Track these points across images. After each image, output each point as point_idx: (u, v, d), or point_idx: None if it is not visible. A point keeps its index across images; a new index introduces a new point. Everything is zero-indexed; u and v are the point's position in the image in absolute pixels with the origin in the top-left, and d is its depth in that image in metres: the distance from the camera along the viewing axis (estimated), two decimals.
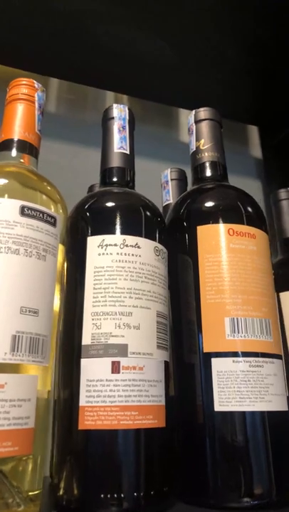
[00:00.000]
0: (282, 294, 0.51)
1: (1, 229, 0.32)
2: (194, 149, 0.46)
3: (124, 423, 0.31)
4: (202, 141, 0.46)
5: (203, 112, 0.47)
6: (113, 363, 0.33)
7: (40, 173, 0.40)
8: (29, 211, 0.34)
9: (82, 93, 0.75)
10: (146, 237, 0.37)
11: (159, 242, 0.38)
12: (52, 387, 0.35)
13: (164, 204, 0.56)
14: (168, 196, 0.56)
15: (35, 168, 0.40)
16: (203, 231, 0.39)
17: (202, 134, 0.46)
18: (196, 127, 0.47)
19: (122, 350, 0.33)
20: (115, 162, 0.42)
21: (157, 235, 0.39)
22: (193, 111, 0.47)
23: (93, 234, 0.37)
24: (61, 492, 0.31)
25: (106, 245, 0.36)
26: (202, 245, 0.39)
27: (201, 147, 0.46)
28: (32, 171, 0.38)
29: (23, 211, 0.33)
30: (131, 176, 0.43)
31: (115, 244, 0.36)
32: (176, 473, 0.35)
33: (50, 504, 0.32)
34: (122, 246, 0.36)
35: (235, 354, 0.35)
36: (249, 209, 0.41)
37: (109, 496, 0.30)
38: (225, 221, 0.39)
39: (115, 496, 0.30)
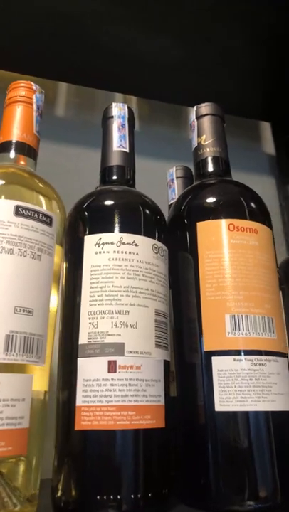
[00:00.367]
0: None
1: None
2: (196, 145, 0.46)
3: (120, 423, 0.31)
4: (204, 137, 0.45)
5: (205, 108, 0.46)
6: (109, 362, 0.32)
7: (39, 174, 0.40)
8: (24, 211, 0.34)
9: (91, 96, 0.76)
10: (144, 234, 0.37)
11: (158, 240, 0.38)
12: (53, 387, 0.35)
13: (169, 203, 0.55)
14: (173, 195, 0.55)
15: (33, 169, 0.40)
16: (202, 227, 0.38)
17: (204, 129, 0.45)
18: (197, 123, 0.46)
19: (119, 349, 0.32)
20: (114, 160, 0.42)
21: (156, 233, 0.38)
22: (195, 107, 0.47)
23: (90, 233, 0.37)
24: (59, 494, 0.31)
25: (103, 244, 0.36)
26: (202, 242, 0.38)
27: (203, 143, 0.45)
28: (29, 172, 0.38)
29: (18, 211, 0.33)
30: (131, 174, 0.43)
31: (112, 243, 0.36)
32: (178, 475, 0.34)
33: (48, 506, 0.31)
34: (118, 244, 0.35)
35: (236, 352, 0.34)
36: (251, 203, 0.40)
37: (105, 497, 0.29)
38: (225, 216, 0.38)
39: (112, 497, 0.29)
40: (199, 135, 0.45)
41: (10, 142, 0.39)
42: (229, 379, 0.33)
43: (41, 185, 0.38)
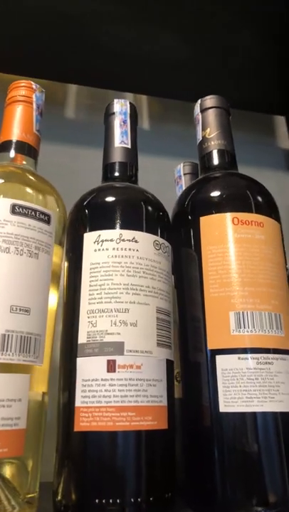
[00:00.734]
0: None
1: None
2: (200, 139, 0.44)
3: (120, 424, 0.30)
4: (208, 130, 0.44)
5: (209, 100, 0.45)
6: (108, 361, 0.31)
7: (39, 173, 0.39)
8: (20, 209, 0.33)
9: (103, 97, 0.75)
10: (145, 231, 0.36)
11: (161, 237, 0.37)
12: (55, 388, 0.34)
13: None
14: (181, 191, 0.54)
15: (33, 168, 0.39)
16: (206, 222, 0.37)
17: (208, 122, 0.44)
18: (202, 116, 0.45)
19: (118, 348, 0.32)
20: (116, 157, 0.41)
21: (159, 229, 0.37)
22: (199, 100, 0.45)
23: (90, 230, 0.36)
24: (59, 497, 0.30)
25: (102, 241, 0.35)
26: (205, 237, 0.37)
27: (207, 136, 0.44)
28: (28, 171, 0.38)
29: (14, 209, 0.33)
30: (133, 170, 0.42)
31: (111, 240, 0.35)
32: (183, 479, 0.33)
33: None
34: (118, 241, 0.35)
35: (241, 351, 0.33)
36: (256, 196, 0.38)
37: (104, 501, 0.28)
38: (229, 210, 0.37)
39: (111, 501, 0.28)
40: (204, 128, 0.44)
41: (10, 142, 0.39)
42: (234, 378, 0.32)
43: (39, 184, 0.37)
